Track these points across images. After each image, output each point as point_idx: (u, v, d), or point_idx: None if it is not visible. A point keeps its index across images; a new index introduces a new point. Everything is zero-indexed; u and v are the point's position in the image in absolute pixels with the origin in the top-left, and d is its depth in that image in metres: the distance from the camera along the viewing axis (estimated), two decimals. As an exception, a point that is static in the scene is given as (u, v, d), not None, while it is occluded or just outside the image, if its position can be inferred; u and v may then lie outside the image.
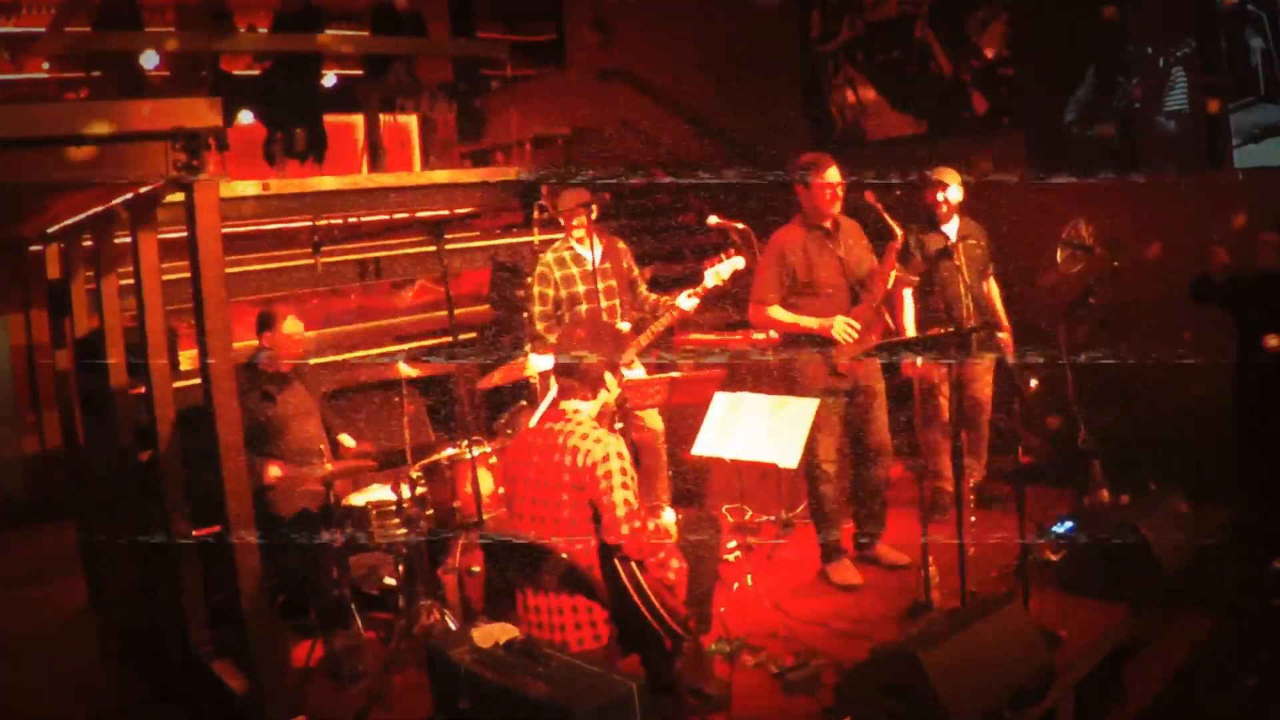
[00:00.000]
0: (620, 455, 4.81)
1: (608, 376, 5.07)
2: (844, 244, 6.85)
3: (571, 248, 7.30)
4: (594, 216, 7.26)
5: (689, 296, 7.07)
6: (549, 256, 7.35)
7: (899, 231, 6.72)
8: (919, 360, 7.21)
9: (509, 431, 7.05)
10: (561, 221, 7.47)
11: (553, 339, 6.90)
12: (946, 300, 7.48)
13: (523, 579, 4.92)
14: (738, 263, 7.03)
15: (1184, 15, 8.88)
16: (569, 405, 5.01)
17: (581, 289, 7.20)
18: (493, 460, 6.50)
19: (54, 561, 8.52)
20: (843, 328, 6.66)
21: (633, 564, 4.79)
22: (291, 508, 6.46)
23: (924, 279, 7.54)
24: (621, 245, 7.50)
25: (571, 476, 4.77)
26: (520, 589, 4.94)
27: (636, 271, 7.50)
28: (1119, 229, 7.93)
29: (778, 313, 6.84)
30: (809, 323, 6.75)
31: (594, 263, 7.15)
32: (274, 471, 6.43)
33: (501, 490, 6.08)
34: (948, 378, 7.33)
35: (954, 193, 7.55)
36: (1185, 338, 7.47)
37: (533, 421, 5.42)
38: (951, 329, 6.96)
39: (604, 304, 7.17)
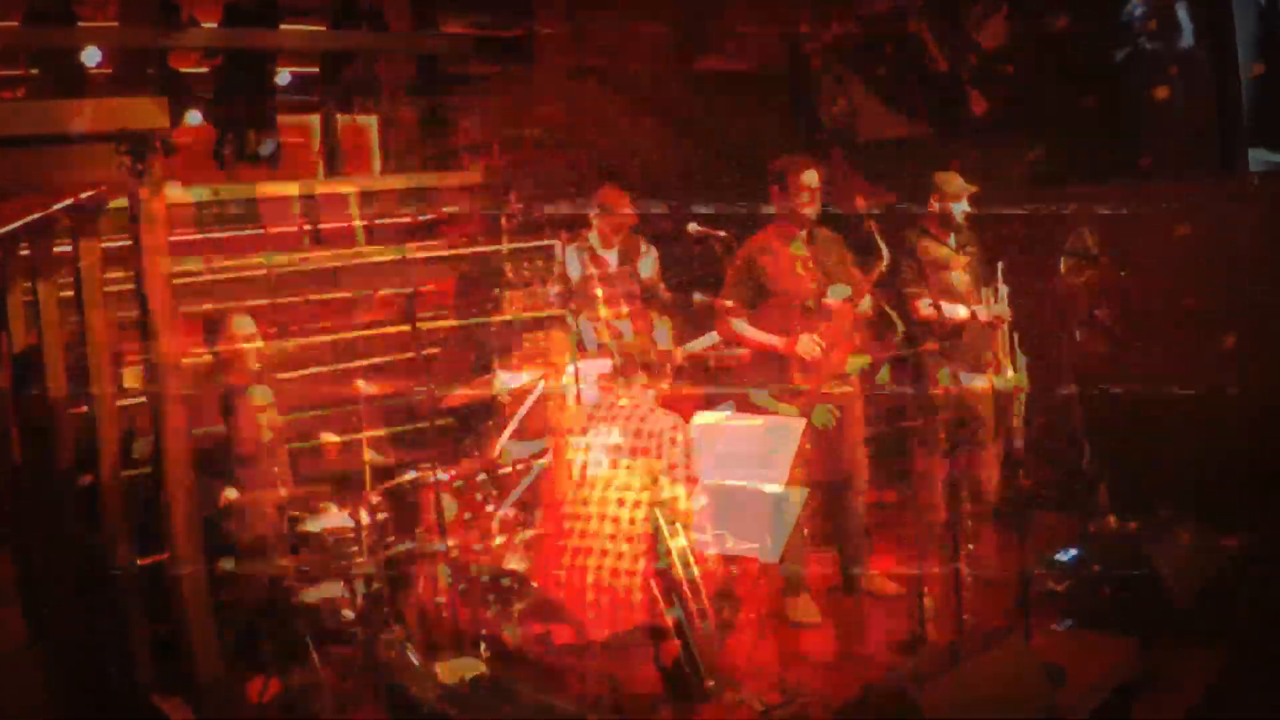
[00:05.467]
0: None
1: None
2: (819, 255, 6.87)
3: (591, 247, 7.27)
4: (630, 219, 7.31)
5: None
6: (571, 249, 7.46)
7: (886, 254, 6.73)
8: (944, 375, 7.22)
9: (476, 453, 7.03)
10: (593, 221, 7.54)
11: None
12: (949, 313, 7.43)
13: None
14: (710, 338, 7.08)
15: (1198, 9, 8.93)
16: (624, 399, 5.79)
17: (600, 293, 7.19)
18: (457, 485, 6.50)
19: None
20: (808, 345, 6.67)
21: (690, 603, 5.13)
22: (246, 534, 6.44)
23: (925, 290, 7.47)
24: (645, 248, 7.49)
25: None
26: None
27: (653, 274, 7.51)
28: (1125, 235, 7.95)
29: (741, 327, 6.85)
30: (772, 340, 6.77)
31: (613, 267, 7.19)
32: (229, 494, 6.40)
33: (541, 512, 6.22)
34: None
35: (962, 202, 7.50)
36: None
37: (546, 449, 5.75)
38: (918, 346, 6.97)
39: (609, 312, 7.19)
